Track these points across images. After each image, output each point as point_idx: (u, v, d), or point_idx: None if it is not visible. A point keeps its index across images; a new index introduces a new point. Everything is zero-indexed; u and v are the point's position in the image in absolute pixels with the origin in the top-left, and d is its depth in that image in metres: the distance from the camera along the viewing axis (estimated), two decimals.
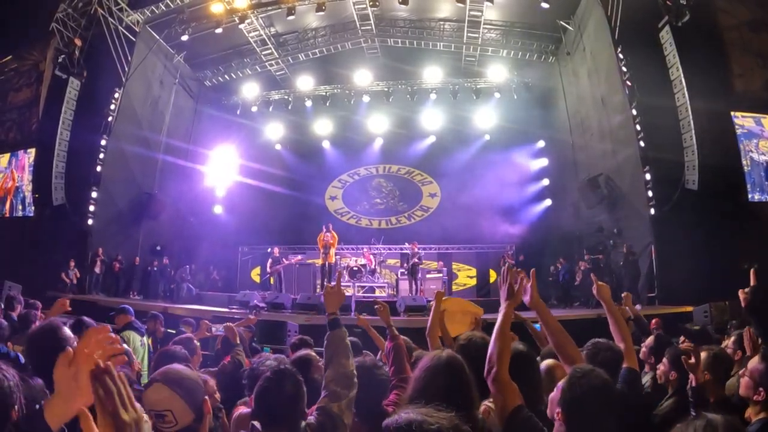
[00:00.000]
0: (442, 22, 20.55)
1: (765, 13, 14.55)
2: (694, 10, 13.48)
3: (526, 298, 3.08)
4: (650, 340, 5.23)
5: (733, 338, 4.73)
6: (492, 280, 20.66)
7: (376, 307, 4.55)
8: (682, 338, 6.02)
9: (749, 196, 14.48)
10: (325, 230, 17.54)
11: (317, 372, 3.96)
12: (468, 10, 18.58)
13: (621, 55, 15.45)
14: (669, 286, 14.00)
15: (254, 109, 23.16)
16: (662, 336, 5.85)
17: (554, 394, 2.41)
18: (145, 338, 6.65)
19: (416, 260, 17.66)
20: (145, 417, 1.50)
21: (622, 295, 6.45)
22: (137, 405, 1.43)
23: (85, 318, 5.96)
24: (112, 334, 1.53)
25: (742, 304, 3.94)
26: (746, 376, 3.04)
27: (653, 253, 14.78)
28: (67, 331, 3.45)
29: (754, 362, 3.04)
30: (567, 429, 2.30)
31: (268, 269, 18.36)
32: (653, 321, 8.90)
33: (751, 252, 12.66)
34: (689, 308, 11.69)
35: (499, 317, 2.72)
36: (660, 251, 14.57)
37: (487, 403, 3.00)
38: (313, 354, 4.24)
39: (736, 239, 12.78)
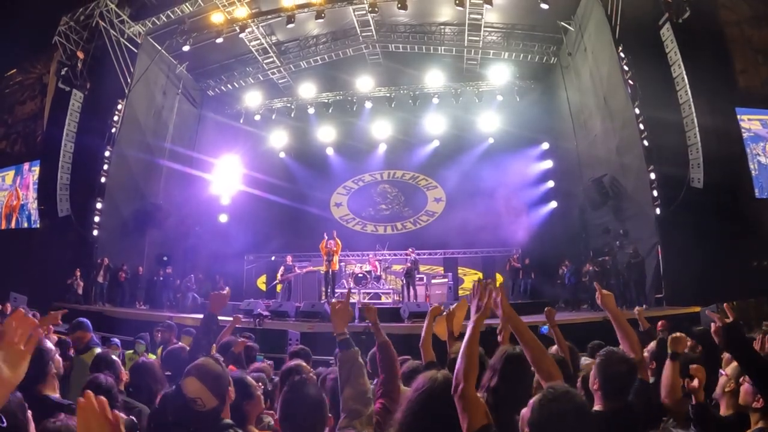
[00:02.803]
0: (442, 26, 20.52)
1: (766, 8, 14.44)
2: (695, 6, 13.38)
3: (498, 312, 2.98)
4: (652, 344, 5.11)
5: None
6: (498, 284, 20.57)
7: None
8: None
9: (756, 193, 14.34)
10: (327, 238, 17.46)
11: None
12: (468, 14, 18.54)
13: (622, 54, 15.37)
14: (676, 287, 13.83)
15: (257, 117, 23.24)
16: (665, 341, 5.74)
17: (525, 412, 2.29)
18: (134, 350, 6.61)
19: (409, 265, 17.64)
20: None
21: (635, 310, 6.38)
22: None
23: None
24: (29, 316, 1.70)
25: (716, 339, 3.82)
26: (746, 382, 2.95)
27: (659, 254, 14.63)
28: (48, 343, 3.43)
29: None
30: None
31: (281, 276, 18.38)
32: (659, 323, 8.75)
33: (759, 250, 12.56)
34: (697, 309, 11.55)
35: (468, 332, 2.61)
36: (666, 251, 14.38)
37: None
38: (304, 364, 4.24)
39: (743, 237, 12.62)
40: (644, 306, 14.06)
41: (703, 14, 13.73)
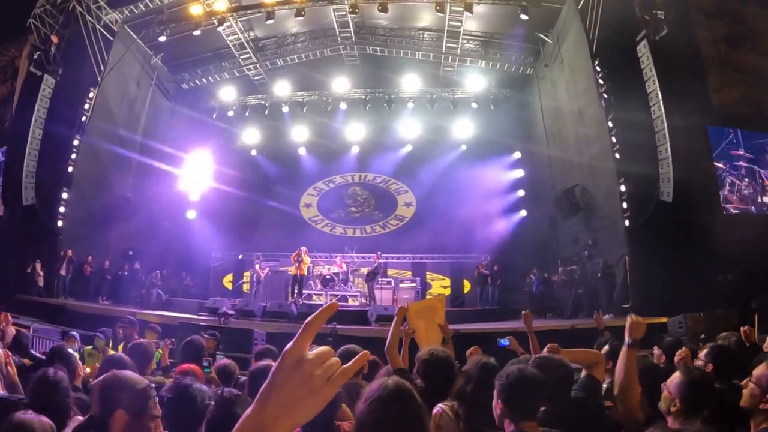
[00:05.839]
0: (421, 32, 20.62)
1: (741, 28, 14.79)
2: (672, 24, 13.68)
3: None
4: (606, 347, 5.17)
5: (706, 350, 4.61)
6: (466, 290, 20.71)
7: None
8: (657, 351, 5.88)
9: (723, 208, 14.67)
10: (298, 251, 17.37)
11: None
12: (448, 20, 18.67)
13: (598, 68, 15.59)
14: (643, 297, 14.01)
15: (231, 113, 22.97)
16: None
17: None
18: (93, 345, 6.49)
19: (370, 269, 17.85)
20: None
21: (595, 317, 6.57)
22: None
23: None
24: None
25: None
26: (751, 383, 2.98)
27: (627, 264, 14.86)
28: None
29: (760, 369, 2.98)
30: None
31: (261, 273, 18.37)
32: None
33: (724, 264, 12.83)
34: (664, 319, 11.74)
35: None
36: (634, 262, 14.61)
37: (442, 405, 3.15)
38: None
39: (710, 251, 12.86)
40: (610, 315, 14.35)
41: (679, 32, 14.02)
